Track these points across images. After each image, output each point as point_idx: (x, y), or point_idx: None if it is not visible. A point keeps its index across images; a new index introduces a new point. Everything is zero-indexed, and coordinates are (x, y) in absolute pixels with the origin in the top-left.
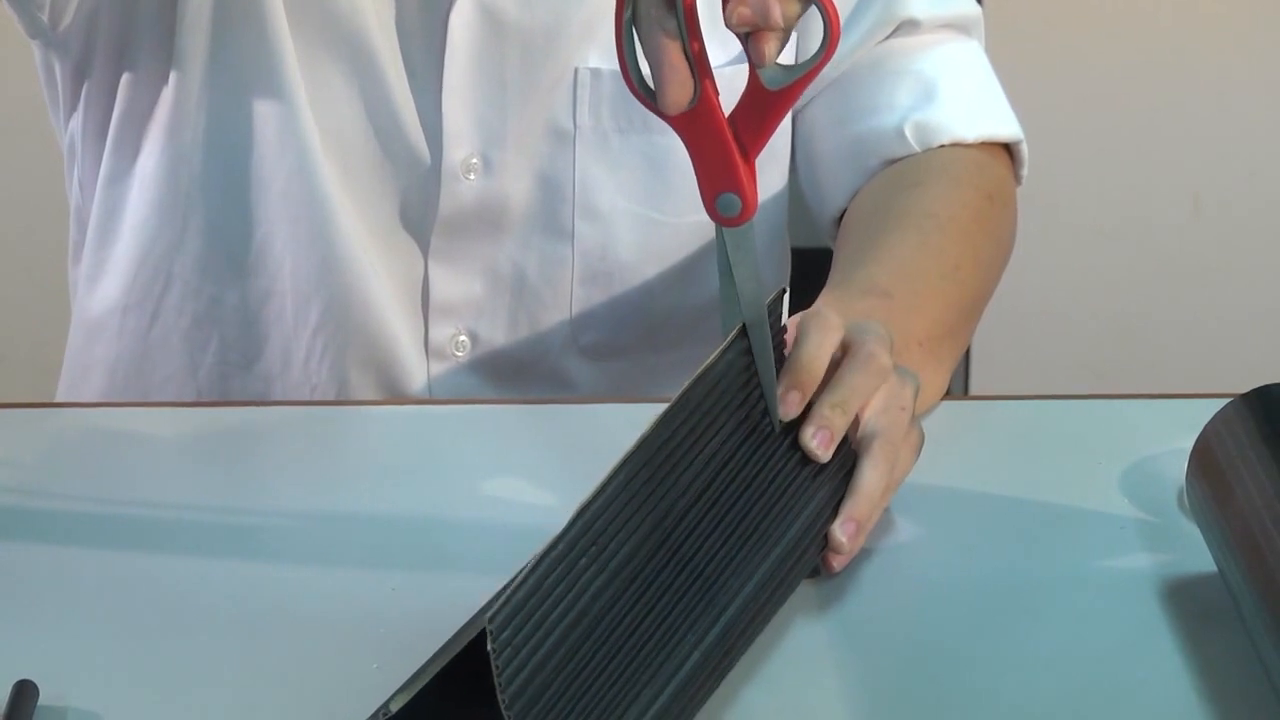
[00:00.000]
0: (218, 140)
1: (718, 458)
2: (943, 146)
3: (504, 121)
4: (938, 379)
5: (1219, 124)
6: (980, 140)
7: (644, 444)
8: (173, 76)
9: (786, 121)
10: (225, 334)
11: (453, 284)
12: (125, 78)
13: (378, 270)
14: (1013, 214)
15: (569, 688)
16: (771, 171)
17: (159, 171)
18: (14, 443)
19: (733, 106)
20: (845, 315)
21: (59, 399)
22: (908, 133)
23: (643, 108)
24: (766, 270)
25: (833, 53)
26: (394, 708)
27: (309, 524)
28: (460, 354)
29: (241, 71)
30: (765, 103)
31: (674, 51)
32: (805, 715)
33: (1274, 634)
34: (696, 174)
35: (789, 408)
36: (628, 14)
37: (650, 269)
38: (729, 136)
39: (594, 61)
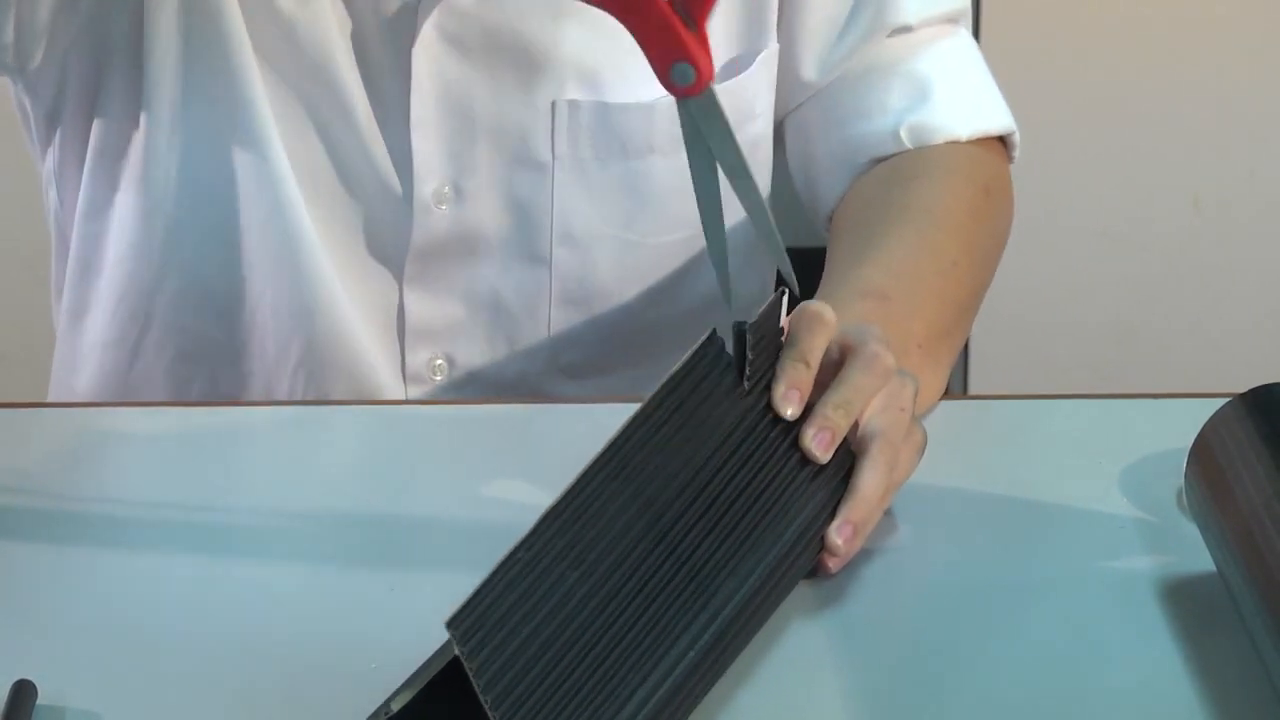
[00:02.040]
0: (192, 182)
1: (715, 458)
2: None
3: (474, 152)
4: (936, 380)
5: (1219, 124)
6: (975, 136)
7: (614, 446)
8: (143, 119)
9: (767, 132)
10: (212, 370)
11: (428, 309)
12: (98, 120)
13: (354, 301)
14: (1009, 205)
15: (560, 686)
16: (755, 178)
17: (135, 212)
18: (12, 443)
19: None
20: (842, 318)
21: None
22: (903, 135)
23: (619, 134)
24: (756, 273)
25: None
26: (395, 707)
27: (306, 524)
28: (439, 378)
29: (212, 114)
30: None
31: None
32: (802, 717)
33: (1273, 633)
34: (645, 53)
35: (790, 406)
36: None
37: (630, 289)
38: (663, 4)
39: (571, 93)
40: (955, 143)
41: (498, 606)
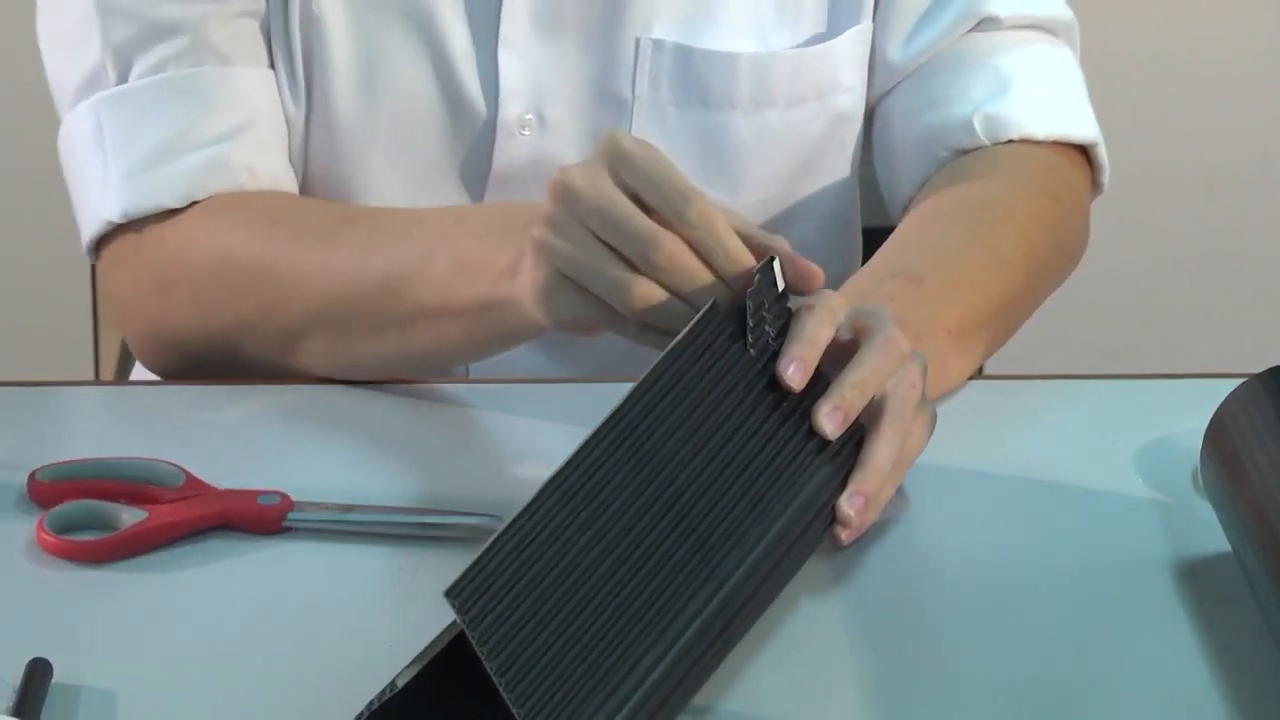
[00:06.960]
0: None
1: (722, 428)
2: (1012, 141)
3: (560, 81)
4: (962, 367)
5: (1232, 106)
6: (1051, 139)
7: (617, 415)
8: None
9: (857, 112)
10: None
11: None
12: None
13: None
14: (1081, 218)
15: (566, 654)
16: (838, 161)
17: None
18: (23, 421)
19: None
20: (869, 296)
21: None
22: (977, 124)
23: (700, 82)
24: (834, 257)
25: None
26: (400, 683)
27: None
28: None
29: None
30: None
31: None
32: (816, 694)
33: None
34: None
35: (796, 376)
36: None
37: None
38: None
39: (658, 33)
40: (1031, 145)
41: (499, 574)
